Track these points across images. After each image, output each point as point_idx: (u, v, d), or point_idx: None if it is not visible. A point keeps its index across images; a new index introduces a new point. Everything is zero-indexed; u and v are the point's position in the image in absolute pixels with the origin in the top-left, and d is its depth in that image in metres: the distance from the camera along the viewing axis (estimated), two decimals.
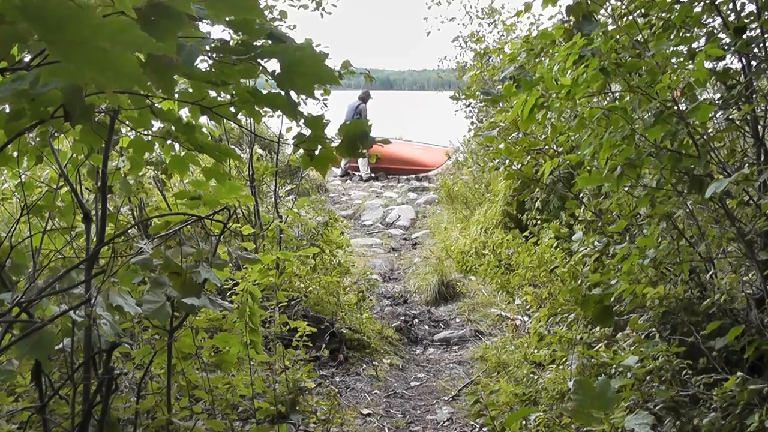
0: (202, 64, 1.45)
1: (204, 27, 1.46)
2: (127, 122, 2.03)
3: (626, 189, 3.06)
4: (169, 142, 2.17)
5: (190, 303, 1.91)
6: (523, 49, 2.95)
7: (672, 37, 2.66)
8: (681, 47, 2.55)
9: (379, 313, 5.90)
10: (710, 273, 2.94)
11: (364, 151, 1.70)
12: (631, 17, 2.75)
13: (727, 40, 2.62)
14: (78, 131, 1.94)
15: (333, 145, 1.70)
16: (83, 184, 2.38)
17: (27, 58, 1.29)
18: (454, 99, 9.57)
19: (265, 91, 1.58)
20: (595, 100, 2.90)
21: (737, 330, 2.38)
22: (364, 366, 4.71)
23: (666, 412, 2.51)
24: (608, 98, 2.89)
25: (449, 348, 5.23)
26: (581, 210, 3.94)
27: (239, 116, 1.73)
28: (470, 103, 9.53)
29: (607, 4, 2.88)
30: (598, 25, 2.60)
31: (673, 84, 2.37)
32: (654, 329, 2.98)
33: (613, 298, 2.80)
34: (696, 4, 2.67)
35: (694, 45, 2.66)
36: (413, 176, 13.08)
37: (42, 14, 0.89)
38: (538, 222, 5.54)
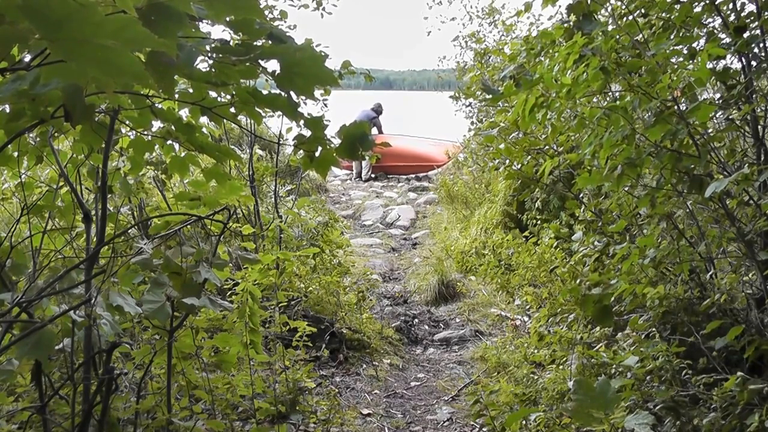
0: (202, 64, 1.45)
1: (204, 27, 1.46)
2: (127, 122, 2.03)
3: (626, 189, 3.06)
4: (169, 142, 2.17)
5: (190, 303, 1.91)
6: (523, 49, 2.95)
7: (672, 37, 2.65)
8: (681, 47, 2.55)
9: (379, 313, 5.90)
10: (710, 273, 2.94)
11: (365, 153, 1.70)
12: (631, 17, 2.75)
13: (727, 40, 2.61)
14: (78, 131, 1.94)
15: (333, 146, 1.70)
16: (83, 184, 2.38)
17: (27, 58, 1.29)
18: (453, 99, 9.57)
19: (265, 92, 1.58)
20: (595, 99, 2.90)
21: (737, 330, 2.38)
22: (364, 366, 4.71)
23: (666, 412, 2.51)
24: (608, 98, 2.89)
25: (449, 348, 5.23)
26: (581, 210, 3.94)
27: (239, 116, 1.73)
28: (470, 103, 9.53)
29: (608, 3, 2.88)
30: (598, 25, 2.60)
31: (674, 84, 2.37)
32: (654, 329, 2.98)
33: (613, 298, 2.80)
34: (696, 4, 2.67)
35: (694, 45, 2.66)
36: (413, 176, 13.11)
37: (43, 12, 0.89)
38: (538, 222, 5.54)
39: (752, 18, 2.60)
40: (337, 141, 1.69)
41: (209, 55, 1.39)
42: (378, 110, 12.82)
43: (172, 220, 2.22)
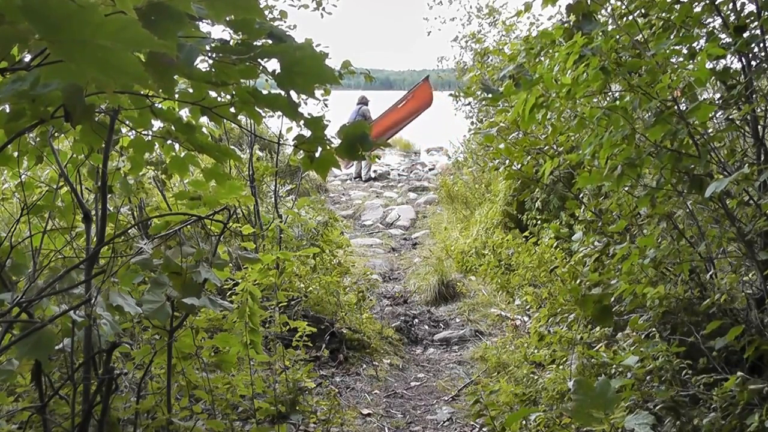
0: (202, 64, 1.45)
1: (204, 27, 1.46)
2: (127, 122, 2.03)
3: (626, 189, 3.06)
4: (169, 142, 2.17)
5: (190, 303, 1.91)
6: (522, 49, 2.95)
7: (672, 37, 2.65)
8: (681, 47, 2.55)
9: (379, 313, 5.90)
10: (710, 273, 2.94)
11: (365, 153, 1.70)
12: (631, 17, 2.75)
13: (727, 40, 2.61)
14: (78, 131, 1.94)
15: (333, 146, 1.69)
16: (83, 184, 2.38)
17: (27, 58, 1.29)
18: (453, 97, 9.58)
19: (265, 92, 1.58)
20: (595, 99, 2.90)
21: (737, 330, 2.38)
22: (364, 366, 4.71)
23: (666, 412, 2.51)
24: (608, 98, 2.89)
25: (449, 348, 5.23)
26: (581, 210, 3.94)
27: (239, 116, 1.73)
28: (470, 103, 9.54)
29: (607, 3, 2.88)
30: (598, 25, 2.60)
31: (674, 84, 2.37)
32: (654, 329, 2.98)
33: (613, 298, 2.80)
34: (696, 4, 2.67)
35: (694, 45, 2.66)
36: (413, 175, 13.15)
37: (43, 13, 0.89)
38: (538, 222, 5.54)
39: (752, 18, 2.60)
40: (337, 141, 1.69)
41: (209, 54, 1.39)
42: (364, 101, 13.01)
43: (172, 220, 2.22)
